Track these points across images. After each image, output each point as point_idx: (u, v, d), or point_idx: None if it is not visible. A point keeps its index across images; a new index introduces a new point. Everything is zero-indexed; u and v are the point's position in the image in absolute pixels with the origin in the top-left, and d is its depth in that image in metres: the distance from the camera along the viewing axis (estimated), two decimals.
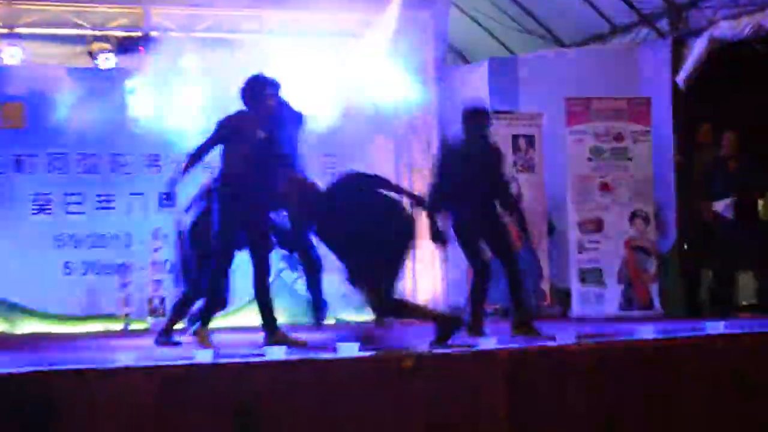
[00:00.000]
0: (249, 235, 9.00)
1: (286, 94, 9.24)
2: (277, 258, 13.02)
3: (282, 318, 13.16)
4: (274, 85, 9.16)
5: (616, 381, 7.49)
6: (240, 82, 9.14)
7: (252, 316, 10.74)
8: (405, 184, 13.80)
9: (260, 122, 9.00)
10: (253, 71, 9.18)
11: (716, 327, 8.40)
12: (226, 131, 9.04)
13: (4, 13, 13.33)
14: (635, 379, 7.56)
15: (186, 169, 9.10)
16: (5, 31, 13.30)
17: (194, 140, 10.76)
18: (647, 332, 8.27)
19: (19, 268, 8.88)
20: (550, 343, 7.86)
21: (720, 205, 12.51)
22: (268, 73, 9.23)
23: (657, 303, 12.91)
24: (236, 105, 9.10)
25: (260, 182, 8.88)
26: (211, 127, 9.18)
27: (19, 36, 13.31)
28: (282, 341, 8.69)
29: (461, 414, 6.97)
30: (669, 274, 13.15)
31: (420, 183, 13.77)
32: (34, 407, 6.11)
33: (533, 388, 7.21)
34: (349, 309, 13.61)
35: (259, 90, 9.09)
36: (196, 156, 9.11)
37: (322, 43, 13.73)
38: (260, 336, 9.14)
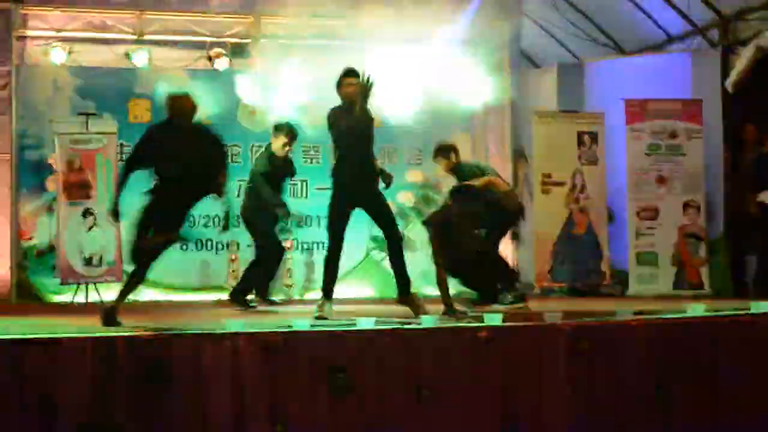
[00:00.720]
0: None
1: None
2: (367, 238, 13.08)
3: (371, 292, 13.31)
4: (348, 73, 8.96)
5: (667, 354, 7.34)
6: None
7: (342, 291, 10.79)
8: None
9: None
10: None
11: (760, 306, 8.20)
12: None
13: (133, 23, 13.44)
14: (684, 353, 7.41)
15: None
16: (135, 37, 13.41)
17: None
18: (697, 310, 8.10)
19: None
20: (609, 318, 7.74)
21: (765, 195, 12.27)
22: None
23: (706, 284, 12.73)
24: (333, 104, 9.00)
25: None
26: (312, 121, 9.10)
27: (147, 42, 13.41)
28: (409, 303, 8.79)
29: (529, 379, 6.88)
30: (717, 258, 12.96)
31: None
32: (153, 367, 6.13)
33: (591, 358, 7.09)
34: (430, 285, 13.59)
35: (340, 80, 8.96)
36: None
37: (410, 48, 13.65)
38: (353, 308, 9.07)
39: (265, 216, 10.65)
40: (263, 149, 11.17)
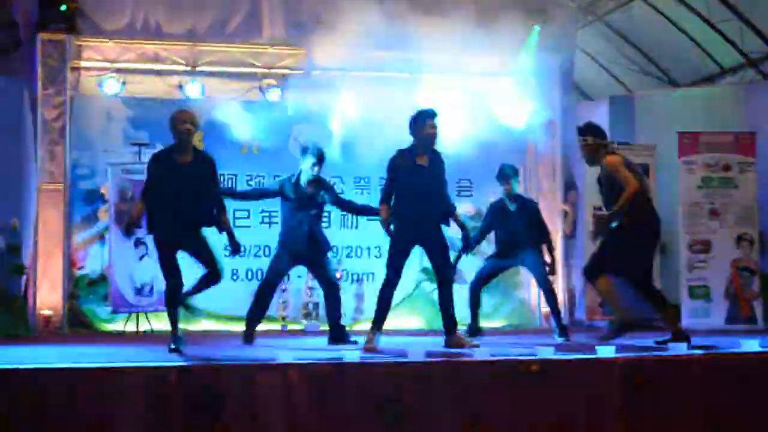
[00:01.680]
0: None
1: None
2: (417, 269, 13.05)
3: (420, 324, 13.29)
4: (432, 115, 9.04)
5: (721, 391, 7.27)
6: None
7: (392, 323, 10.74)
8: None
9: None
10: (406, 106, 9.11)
11: None
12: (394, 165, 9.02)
13: (187, 54, 13.58)
14: (739, 390, 7.33)
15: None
16: (189, 68, 13.54)
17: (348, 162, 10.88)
18: (751, 346, 8.01)
19: (195, 275, 9.00)
20: (663, 353, 7.67)
21: None
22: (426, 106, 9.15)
23: (759, 318, 12.58)
24: (381, 134, 9.08)
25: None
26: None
27: (200, 74, 13.54)
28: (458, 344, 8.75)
29: (582, 413, 6.84)
30: None
31: (544, 205, 13.65)
32: (206, 397, 6.16)
33: (646, 393, 7.03)
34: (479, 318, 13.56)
35: (420, 120, 9.01)
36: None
37: (463, 81, 13.72)
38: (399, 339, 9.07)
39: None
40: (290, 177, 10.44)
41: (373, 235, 9.44)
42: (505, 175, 10.85)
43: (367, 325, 9.55)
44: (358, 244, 13.39)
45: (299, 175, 10.12)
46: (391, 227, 8.91)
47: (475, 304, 10.89)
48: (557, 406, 6.78)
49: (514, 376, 6.78)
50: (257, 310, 10.15)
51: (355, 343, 9.83)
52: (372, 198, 12.83)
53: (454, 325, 9.08)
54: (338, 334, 10.01)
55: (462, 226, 9.31)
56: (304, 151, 10.26)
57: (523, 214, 10.85)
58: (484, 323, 12.38)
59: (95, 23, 13.18)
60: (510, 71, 14.24)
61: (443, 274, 9.04)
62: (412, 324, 13.39)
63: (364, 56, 13.55)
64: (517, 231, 10.79)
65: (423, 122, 8.96)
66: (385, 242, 9.28)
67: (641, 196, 8.87)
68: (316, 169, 10.11)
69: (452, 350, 8.42)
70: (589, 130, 9.40)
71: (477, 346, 8.59)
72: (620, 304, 8.83)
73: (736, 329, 12.30)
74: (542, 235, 10.91)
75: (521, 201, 11.01)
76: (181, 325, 8.53)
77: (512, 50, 13.72)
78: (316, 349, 9.46)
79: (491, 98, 13.75)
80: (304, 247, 10.00)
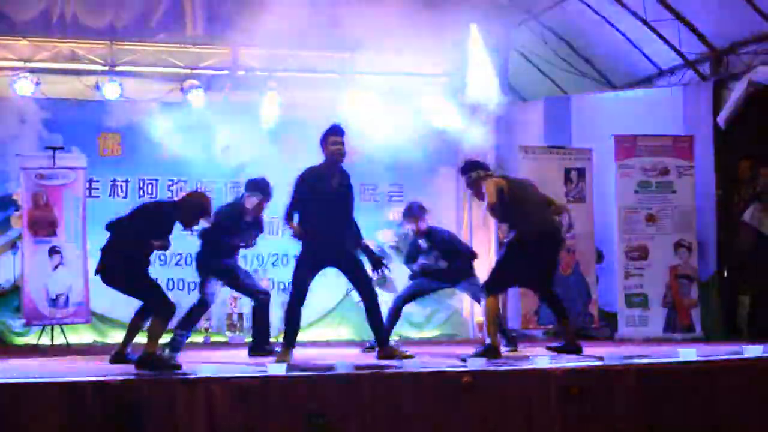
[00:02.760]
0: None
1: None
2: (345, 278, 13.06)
3: (350, 334, 13.30)
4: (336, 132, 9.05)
5: (659, 400, 7.37)
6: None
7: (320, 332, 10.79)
8: (465, 211, 13.87)
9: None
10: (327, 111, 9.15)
11: (754, 350, 8.25)
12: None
13: (104, 53, 13.47)
14: (677, 399, 7.44)
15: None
16: (106, 68, 13.43)
17: (268, 168, 10.83)
18: (689, 354, 8.14)
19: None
20: (599, 363, 7.77)
21: (747, 213, 12.42)
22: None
23: (698, 327, 12.75)
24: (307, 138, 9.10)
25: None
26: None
27: (119, 74, 13.43)
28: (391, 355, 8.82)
29: (517, 425, 6.89)
30: (709, 300, 12.98)
31: (477, 210, 13.78)
32: (124, 413, 6.11)
33: (582, 403, 7.11)
34: (412, 327, 13.64)
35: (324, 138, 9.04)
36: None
37: (391, 81, 13.78)
38: (328, 351, 9.10)
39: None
40: (230, 203, 10.59)
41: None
42: (413, 215, 10.65)
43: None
44: (285, 252, 13.33)
45: (242, 208, 10.12)
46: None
47: (393, 319, 10.78)
48: (491, 418, 6.82)
49: (446, 388, 6.81)
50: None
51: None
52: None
53: (386, 338, 9.18)
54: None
55: (371, 255, 9.27)
56: (249, 187, 10.20)
57: (438, 248, 10.77)
58: (415, 333, 12.48)
59: (7, 18, 13.03)
60: (443, 71, 14.33)
61: (364, 292, 9.11)
62: (341, 334, 13.39)
63: (291, 56, 13.57)
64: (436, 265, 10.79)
65: (326, 140, 8.98)
66: None
67: (521, 209, 9.23)
68: (261, 207, 10.15)
69: (382, 362, 8.46)
70: (472, 166, 9.63)
71: (411, 356, 8.70)
72: (497, 329, 9.03)
73: (674, 338, 12.47)
74: (464, 259, 10.83)
75: (432, 236, 10.83)
76: (95, 337, 8.45)
77: (446, 49, 13.80)
78: (239, 363, 9.45)
79: (423, 99, 13.82)
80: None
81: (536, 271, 9.35)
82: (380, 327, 9.09)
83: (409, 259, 10.83)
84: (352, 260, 9.10)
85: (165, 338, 8.73)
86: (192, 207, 8.68)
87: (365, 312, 9.13)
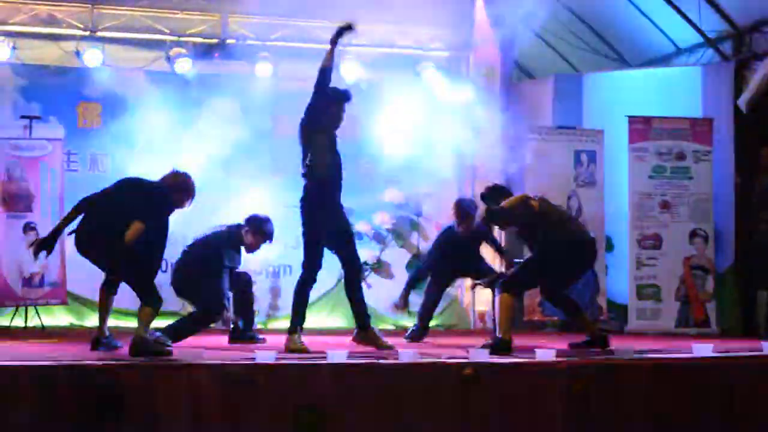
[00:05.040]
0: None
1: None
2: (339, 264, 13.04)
3: (342, 322, 13.29)
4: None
5: (670, 397, 7.37)
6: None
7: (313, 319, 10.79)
8: (469, 190, 13.82)
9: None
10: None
11: None
12: None
13: (86, 18, 13.40)
14: (689, 396, 7.44)
15: None
16: (87, 34, 13.36)
17: (260, 143, 10.86)
18: (703, 350, 8.12)
19: (90, 265, 8.87)
20: (608, 357, 7.76)
21: None
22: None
23: (713, 321, 12.74)
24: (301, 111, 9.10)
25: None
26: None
27: (100, 39, 13.36)
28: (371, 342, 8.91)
29: (521, 420, 6.88)
30: (725, 294, 12.97)
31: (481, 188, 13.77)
32: (101, 397, 6.09)
33: (589, 399, 7.10)
34: (409, 317, 13.61)
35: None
36: None
37: (393, 56, 13.75)
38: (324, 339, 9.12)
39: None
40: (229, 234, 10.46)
41: (291, 222, 9.49)
42: (467, 214, 10.79)
43: (283, 323, 9.57)
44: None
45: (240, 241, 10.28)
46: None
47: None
48: (492, 412, 6.81)
49: (446, 380, 6.80)
50: None
51: (264, 341, 10.13)
52: (287, 180, 12.81)
53: (367, 319, 9.27)
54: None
55: None
56: (251, 224, 10.28)
57: (476, 241, 10.98)
58: (413, 322, 12.44)
59: None
60: (447, 45, 14.28)
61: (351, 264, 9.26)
62: (332, 322, 13.38)
63: (285, 24, 13.53)
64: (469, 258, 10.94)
65: (339, 103, 9.09)
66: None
67: (553, 218, 9.29)
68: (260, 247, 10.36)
69: (372, 350, 8.49)
70: (496, 193, 9.67)
71: (391, 347, 8.75)
72: (510, 324, 8.98)
73: (687, 333, 12.46)
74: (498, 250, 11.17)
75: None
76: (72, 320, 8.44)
77: (449, 22, 13.76)
78: (225, 348, 9.46)
79: (425, 74, 13.78)
80: None
81: (564, 280, 9.44)
82: (365, 310, 9.27)
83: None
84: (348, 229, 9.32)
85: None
86: (180, 189, 8.65)
87: (348, 290, 9.23)
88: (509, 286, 9.04)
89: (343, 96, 9.09)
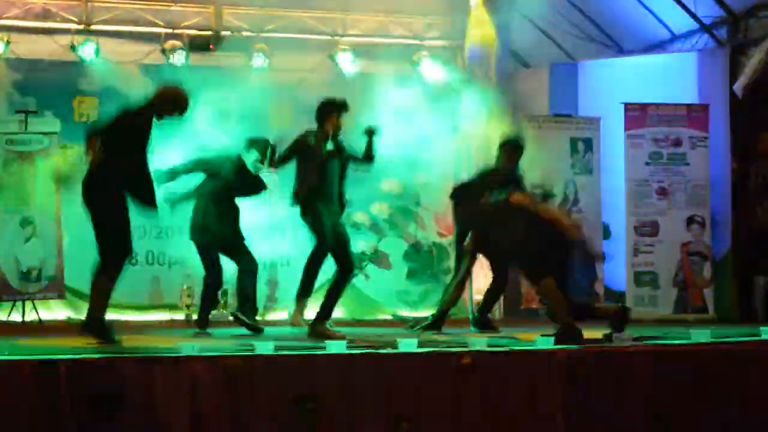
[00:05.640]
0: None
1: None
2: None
3: (341, 313, 13.27)
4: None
5: (669, 383, 7.37)
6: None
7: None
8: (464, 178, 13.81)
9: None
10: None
11: None
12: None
13: (81, 11, 13.38)
14: (688, 382, 7.44)
15: None
16: (82, 27, 13.34)
17: (259, 134, 10.89)
18: (701, 336, 8.13)
19: (88, 258, 8.87)
20: (607, 344, 7.76)
21: None
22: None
23: (710, 307, 12.75)
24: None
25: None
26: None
27: (95, 33, 13.33)
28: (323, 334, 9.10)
29: (519, 410, 6.89)
30: (723, 280, 12.98)
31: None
32: (102, 392, 6.09)
33: (589, 387, 7.11)
34: (407, 306, 13.61)
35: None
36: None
37: (388, 47, 13.75)
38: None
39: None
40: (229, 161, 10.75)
41: (289, 215, 9.58)
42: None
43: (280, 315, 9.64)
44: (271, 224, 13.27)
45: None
46: None
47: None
48: (491, 402, 6.81)
49: (444, 369, 6.80)
50: None
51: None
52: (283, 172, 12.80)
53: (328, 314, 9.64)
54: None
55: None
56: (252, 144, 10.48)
57: None
58: (409, 312, 12.46)
59: None
60: (441, 34, 14.26)
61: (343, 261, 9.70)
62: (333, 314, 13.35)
63: (280, 16, 13.51)
64: None
65: (337, 113, 9.73)
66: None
67: None
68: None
69: (376, 341, 8.49)
70: None
71: (343, 337, 8.80)
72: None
73: (685, 319, 12.47)
74: None
75: None
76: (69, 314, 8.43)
77: (443, 11, 13.75)
78: (224, 339, 9.46)
79: (419, 64, 13.77)
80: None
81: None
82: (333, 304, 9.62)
83: None
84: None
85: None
86: (167, 99, 8.67)
87: (334, 281, 9.66)
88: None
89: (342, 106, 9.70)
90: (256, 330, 10.09)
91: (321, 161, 9.53)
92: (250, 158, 10.45)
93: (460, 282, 10.94)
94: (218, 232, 10.39)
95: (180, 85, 8.89)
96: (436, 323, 10.80)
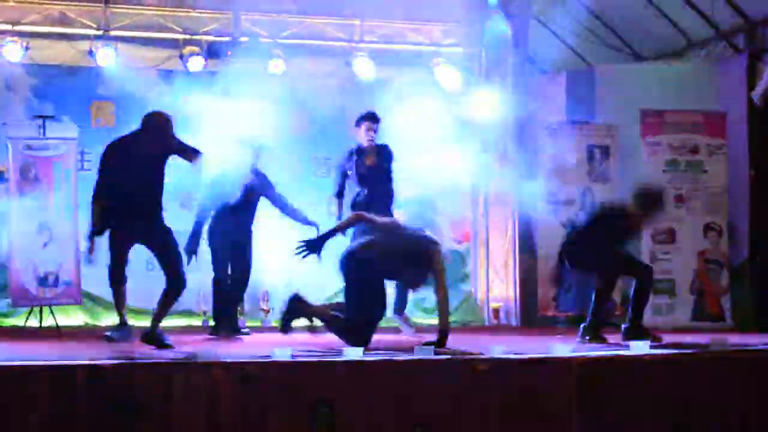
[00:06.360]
0: None
1: None
2: None
3: None
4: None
5: (687, 391, 7.34)
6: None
7: None
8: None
9: None
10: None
11: None
12: None
13: (98, 17, 13.42)
14: (705, 391, 7.41)
15: None
16: (100, 33, 13.38)
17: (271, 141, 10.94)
18: (719, 344, 8.10)
19: (103, 264, 8.90)
20: (624, 352, 7.73)
21: None
22: None
23: (728, 315, 12.72)
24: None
25: None
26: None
27: (113, 39, 13.37)
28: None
29: (534, 416, 6.87)
30: (740, 288, 12.94)
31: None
32: (117, 398, 6.09)
33: (604, 395, 7.08)
34: (423, 313, 13.58)
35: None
36: None
37: (405, 52, 13.76)
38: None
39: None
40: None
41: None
42: None
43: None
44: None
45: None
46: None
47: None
48: (507, 409, 6.80)
49: (461, 376, 6.79)
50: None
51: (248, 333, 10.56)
52: (304, 178, 12.84)
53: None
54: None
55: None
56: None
57: None
58: (424, 319, 12.42)
59: None
60: (458, 41, 14.27)
61: None
62: None
63: (297, 22, 13.53)
64: None
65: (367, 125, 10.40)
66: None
67: None
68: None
69: (394, 347, 8.47)
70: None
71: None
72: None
73: (702, 327, 12.43)
74: None
75: None
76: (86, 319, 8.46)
77: (460, 17, 13.76)
78: (242, 345, 9.47)
79: (437, 71, 13.77)
80: None
81: None
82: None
83: None
84: None
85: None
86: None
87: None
88: None
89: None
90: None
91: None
92: (243, 159, 10.53)
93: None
94: (230, 231, 10.44)
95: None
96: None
